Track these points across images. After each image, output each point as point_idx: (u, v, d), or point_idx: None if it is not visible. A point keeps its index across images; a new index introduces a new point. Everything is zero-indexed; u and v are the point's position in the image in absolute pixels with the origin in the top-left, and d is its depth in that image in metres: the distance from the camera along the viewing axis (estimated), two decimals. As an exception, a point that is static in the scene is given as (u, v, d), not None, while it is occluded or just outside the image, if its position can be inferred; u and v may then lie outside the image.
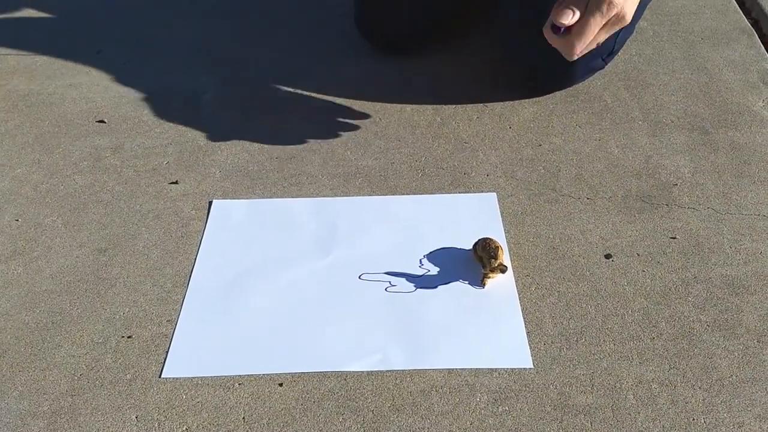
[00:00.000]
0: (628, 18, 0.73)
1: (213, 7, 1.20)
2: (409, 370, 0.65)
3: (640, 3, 0.76)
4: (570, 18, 0.72)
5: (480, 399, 0.63)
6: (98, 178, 0.88)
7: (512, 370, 0.65)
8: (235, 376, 0.65)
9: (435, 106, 0.96)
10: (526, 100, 0.97)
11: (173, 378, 0.65)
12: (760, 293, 0.71)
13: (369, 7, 1.03)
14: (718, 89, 0.97)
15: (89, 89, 1.03)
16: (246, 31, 1.14)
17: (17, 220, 0.82)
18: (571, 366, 0.65)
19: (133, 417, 0.62)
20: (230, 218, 0.81)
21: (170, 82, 1.03)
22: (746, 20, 1.11)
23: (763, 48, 1.04)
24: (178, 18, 1.18)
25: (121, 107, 0.99)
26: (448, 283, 0.73)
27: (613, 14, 0.72)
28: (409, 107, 0.96)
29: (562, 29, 0.73)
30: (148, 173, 0.88)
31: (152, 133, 0.94)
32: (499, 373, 0.64)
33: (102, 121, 0.97)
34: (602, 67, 0.97)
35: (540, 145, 0.89)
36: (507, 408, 0.62)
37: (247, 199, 0.84)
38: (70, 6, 1.21)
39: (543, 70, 0.95)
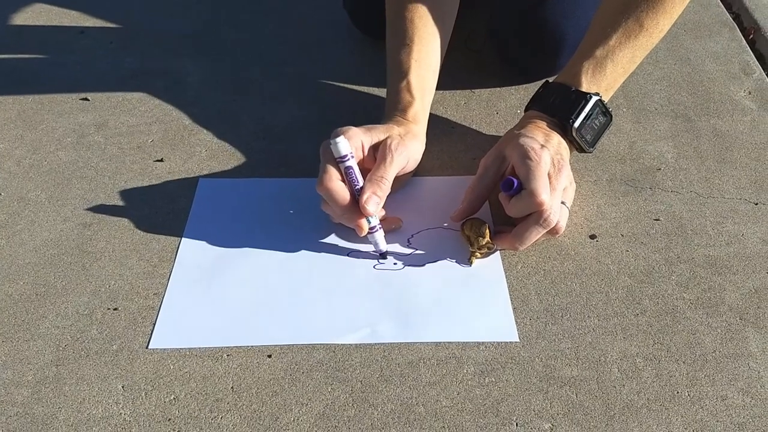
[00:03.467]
0: (561, 232, 0.71)
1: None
2: (398, 342, 0.65)
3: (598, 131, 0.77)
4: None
5: (467, 371, 0.63)
6: (82, 155, 0.87)
7: (498, 343, 0.65)
8: (224, 347, 0.65)
9: (422, 90, 0.97)
10: (513, 87, 0.98)
11: (161, 349, 0.64)
12: (742, 273, 0.72)
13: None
14: (701, 79, 0.99)
15: (72, 67, 1.02)
16: (234, 17, 1.14)
17: (0, 194, 0.81)
18: (557, 340, 0.66)
19: (120, 387, 0.62)
20: (217, 196, 0.81)
21: (154, 64, 1.02)
22: (728, 14, 1.12)
23: (744, 41, 1.06)
24: (164, 1, 1.17)
25: (104, 85, 0.98)
26: (436, 261, 0.73)
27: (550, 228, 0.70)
28: (396, 91, 0.97)
29: (515, 185, 0.70)
30: (133, 150, 0.87)
31: (136, 111, 0.94)
32: (485, 347, 0.65)
33: (85, 99, 0.96)
34: None
35: (526, 130, 0.90)
36: (493, 379, 0.62)
37: (233, 178, 0.83)
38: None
39: (531, 71, 0.97)
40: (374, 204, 0.70)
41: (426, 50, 0.81)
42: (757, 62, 1.02)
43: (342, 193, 0.70)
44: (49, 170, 0.84)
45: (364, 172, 0.72)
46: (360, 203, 0.70)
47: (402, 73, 0.79)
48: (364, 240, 0.73)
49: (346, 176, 0.71)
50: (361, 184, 0.71)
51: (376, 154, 0.74)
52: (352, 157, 0.71)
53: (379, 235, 0.72)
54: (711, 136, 0.89)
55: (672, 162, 0.85)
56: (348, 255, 0.74)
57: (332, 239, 0.75)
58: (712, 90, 0.97)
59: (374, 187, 0.71)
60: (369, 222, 0.71)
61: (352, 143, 0.71)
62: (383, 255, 0.73)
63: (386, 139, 0.74)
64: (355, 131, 0.73)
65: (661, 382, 0.62)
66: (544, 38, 0.93)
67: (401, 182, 0.77)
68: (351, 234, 0.73)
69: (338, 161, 0.70)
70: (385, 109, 0.81)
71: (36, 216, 0.78)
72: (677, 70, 1.01)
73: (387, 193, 0.72)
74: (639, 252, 0.74)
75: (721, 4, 1.15)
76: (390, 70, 0.81)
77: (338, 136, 0.71)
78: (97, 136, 0.90)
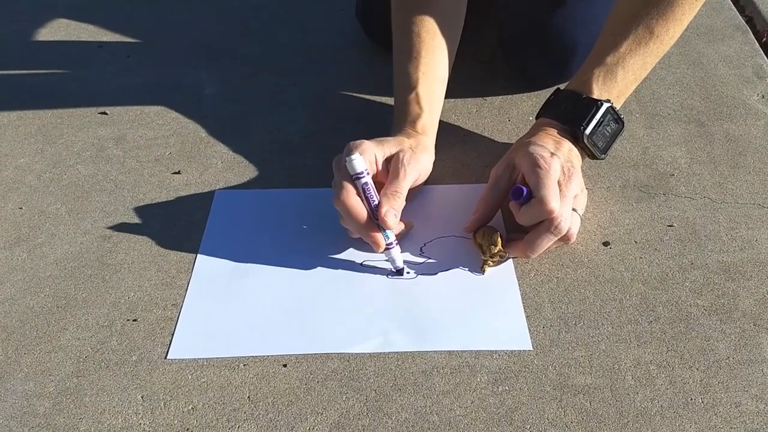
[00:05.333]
0: (573, 239, 0.72)
1: (213, 2, 1.21)
2: (411, 351, 0.66)
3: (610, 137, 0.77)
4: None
5: (480, 379, 0.63)
6: (101, 168, 0.88)
7: (512, 351, 0.66)
8: (240, 357, 0.66)
9: (434, 99, 0.97)
10: (525, 94, 0.98)
11: (179, 359, 0.66)
12: (756, 279, 0.72)
13: (371, 1, 1.04)
14: (714, 83, 0.99)
15: (91, 82, 1.04)
16: (246, 27, 1.15)
17: (21, 208, 0.83)
18: (570, 348, 0.66)
19: (139, 397, 0.63)
20: (233, 207, 0.82)
21: (171, 76, 1.04)
22: (740, 17, 1.12)
23: (757, 44, 1.06)
24: (178, 13, 1.19)
25: (122, 99, 1.00)
26: (449, 269, 0.74)
27: (561, 235, 0.70)
28: (409, 100, 0.97)
29: (524, 193, 0.70)
30: (151, 163, 0.89)
31: (154, 124, 0.95)
32: (499, 355, 0.65)
33: (104, 113, 0.97)
34: None
35: (538, 137, 0.90)
36: (507, 388, 0.63)
37: (249, 189, 0.85)
38: (71, 0, 1.22)
39: (541, 80, 0.98)
40: (392, 217, 0.71)
41: (433, 62, 0.81)
42: (770, 65, 1.01)
43: (359, 209, 0.71)
44: (68, 184, 0.86)
45: (378, 184, 0.73)
46: (379, 217, 0.71)
47: (410, 85, 0.80)
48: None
49: (363, 192, 0.71)
50: (377, 199, 0.72)
51: (389, 167, 0.74)
52: (368, 173, 0.72)
53: (396, 252, 0.73)
54: (724, 140, 0.89)
55: (685, 167, 0.85)
56: (362, 264, 0.75)
57: (346, 249, 0.76)
58: (725, 94, 0.96)
59: (391, 201, 0.71)
60: (387, 237, 0.72)
61: (366, 157, 0.72)
62: (399, 271, 0.73)
63: (398, 152, 0.74)
64: (368, 145, 0.74)
65: (675, 389, 0.62)
66: (556, 46, 0.93)
67: (412, 194, 0.78)
68: (364, 244, 0.74)
69: (354, 178, 0.71)
70: (394, 122, 0.81)
71: (56, 229, 0.80)
72: (690, 75, 1.01)
73: (402, 207, 0.73)
74: (653, 258, 0.74)
75: (733, 7, 1.15)
76: (397, 83, 0.82)
77: (352, 151, 0.72)
78: (116, 149, 0.91)
